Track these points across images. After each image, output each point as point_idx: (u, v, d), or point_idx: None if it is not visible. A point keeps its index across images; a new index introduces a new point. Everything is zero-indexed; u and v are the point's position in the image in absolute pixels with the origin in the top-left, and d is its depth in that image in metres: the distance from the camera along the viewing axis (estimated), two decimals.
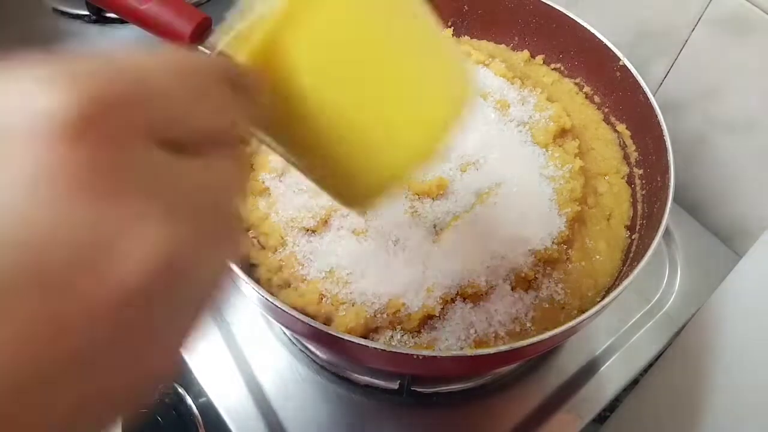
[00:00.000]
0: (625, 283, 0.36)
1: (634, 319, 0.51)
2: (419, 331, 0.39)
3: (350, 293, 0.39)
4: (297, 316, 0.34)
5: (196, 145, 0.16)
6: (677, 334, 0.51)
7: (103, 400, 0.15)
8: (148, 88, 0.15)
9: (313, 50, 0.22)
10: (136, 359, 0.15)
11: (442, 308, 0.39)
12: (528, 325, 0.40)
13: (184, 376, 0.47)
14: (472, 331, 0.39)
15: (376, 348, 0.34)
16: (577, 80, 0.52)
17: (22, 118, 0.13)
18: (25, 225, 0.13)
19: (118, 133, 0.14)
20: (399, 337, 0.39)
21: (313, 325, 0.34)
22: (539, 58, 0.53)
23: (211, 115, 0.17)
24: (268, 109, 0.21)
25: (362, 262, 0.40)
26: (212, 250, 0.16)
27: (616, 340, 0.50)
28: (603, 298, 0.39)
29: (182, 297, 0.15)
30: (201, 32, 0.51)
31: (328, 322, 0.39)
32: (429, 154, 0.25)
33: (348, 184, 0.25)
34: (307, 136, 0.23)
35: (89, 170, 0.13)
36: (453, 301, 0.40)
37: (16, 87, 0.14)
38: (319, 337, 0.36)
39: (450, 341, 0.39)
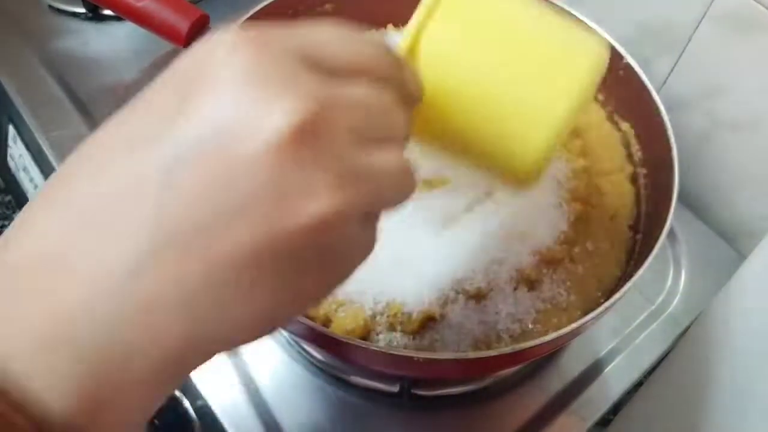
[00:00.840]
0: (629, 284, 0.36)
1: (638, 321, 0.51)
2: (420, 333, 0.39)
3: (349, 294, 0.39)
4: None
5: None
6: (682, 335, 0.51)
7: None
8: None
9: (451, 32, 0.25)
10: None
11: (443, 309, 0.39)
12: (530, 326, 0.39)
13: None
14: (473, 332, 0.39)
15: (375, 350, 0.34)
16: None
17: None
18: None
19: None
20: (399, 338, 0.38)
21: (311, 326, 0.33)
22: None
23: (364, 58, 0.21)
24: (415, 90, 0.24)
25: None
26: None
27: (620, 341, 0.49)
28: (607, 299, 0.38)
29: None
30: (198, 29, 0.51)
31: (326, 323, 0.39)
32: (582, 98, 0.26)
33: (505, 154, 0.27)
34: (455, 115, 0.25)
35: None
36: (454, 302, 0.39)
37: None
38: (317, 339, 0.35)
39: (451, 343, 0.38)
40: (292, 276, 0.19)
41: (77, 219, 0.18)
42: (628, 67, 0.46)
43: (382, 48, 0.22)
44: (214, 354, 0.20)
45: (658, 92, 0.44)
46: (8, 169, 0.63)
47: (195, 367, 0.20)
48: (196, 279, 0.18)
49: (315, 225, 0.18)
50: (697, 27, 0.53)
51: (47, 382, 0.17)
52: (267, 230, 0.18)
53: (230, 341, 0.20)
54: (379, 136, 0.21)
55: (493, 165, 0.28)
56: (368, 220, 0.21)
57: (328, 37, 0.21)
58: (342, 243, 0.20)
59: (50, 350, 0.17)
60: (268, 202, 0.18)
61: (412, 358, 0.33)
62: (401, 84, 0.23)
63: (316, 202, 0.18)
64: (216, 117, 0.18)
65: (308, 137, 0.18)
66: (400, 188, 0.22)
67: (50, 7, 0.65)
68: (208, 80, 0.18)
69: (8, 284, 0.18)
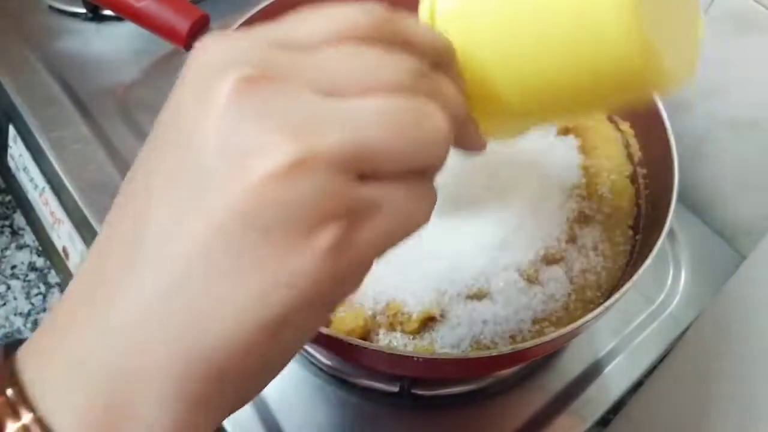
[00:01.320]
0: (629, 284, 0.36)
1: (638, 321, 0.51)
2: (420, 333, 0.39)
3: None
4: None
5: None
6: (681, 335, 0.50)
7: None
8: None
9: None
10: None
11: (443, 309, 0.39)
12: (530, 326, 0.39)
13: None
14: (473, 332, 0.39)
15: (375, 350, 0.33)
16: None
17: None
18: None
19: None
20: (399, 338, 0.38)
21: None
22: None
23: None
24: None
25: None
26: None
27: (620, 341, 0.49)
28: (607, 299, 0.38)
29: None
30: (198, 30, 0.51)
31: (326, 323, 0.39)
32: None
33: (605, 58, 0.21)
34: (520, 52, 0.21)
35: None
36: (454, 302, 0.39)
37: None
38: (317, 338, 0.35)
39: (451, 343, 0.38)
40: (265, 249, 0.17)
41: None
42: None
43: (368, 11, 0.19)
44: (224, 371, 0.18)
45: None
46: (8, 169, 0.63)
47: (213, 393, 0.18)
48: (175, 270, 0.17)
49: (269, 180, 0.16)
50: None
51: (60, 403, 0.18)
52: (225, 199, 0.17)
53: (231, 348, 0.18)
54: (363, 85, 0.18)
55: (598, 87, 0.22)
56: (369, 178, 0.18)
57: (301, 16, 0.19)
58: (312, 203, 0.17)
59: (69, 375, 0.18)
60: (222, 170, 0.17)
61: (412, 358, 0.33)
62: (403, 37, 0.20)
63: (266, 157, 0.16)
64: (173, 104, 0.19)
65: (252, 91, 0.17)
66: (394, 129, 0.18)
67: (50, 7, 0.64)
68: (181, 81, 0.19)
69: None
